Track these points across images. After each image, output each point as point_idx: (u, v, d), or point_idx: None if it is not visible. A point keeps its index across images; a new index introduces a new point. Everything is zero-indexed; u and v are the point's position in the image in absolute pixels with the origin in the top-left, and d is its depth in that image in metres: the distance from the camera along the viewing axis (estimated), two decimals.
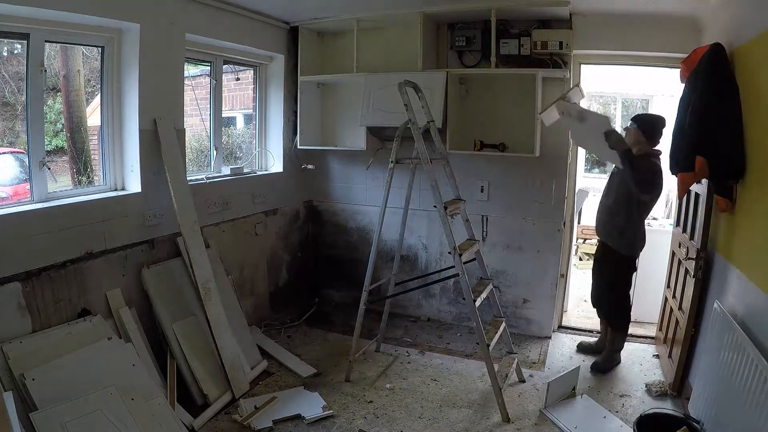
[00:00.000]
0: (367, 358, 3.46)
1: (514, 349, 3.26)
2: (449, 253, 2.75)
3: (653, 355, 3.49)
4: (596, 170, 7.63)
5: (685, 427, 2.28)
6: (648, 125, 3.01)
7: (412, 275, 3.99)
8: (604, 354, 3.36)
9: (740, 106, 2.30)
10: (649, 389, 3.01)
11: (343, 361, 3.32)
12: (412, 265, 4.16)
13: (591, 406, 2.86)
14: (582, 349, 3.60)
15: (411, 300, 4.21)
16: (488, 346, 2.71)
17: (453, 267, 2.77)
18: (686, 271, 2.92)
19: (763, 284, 1.99)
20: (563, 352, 3.58)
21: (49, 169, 2.52)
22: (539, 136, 3.43)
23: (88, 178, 2.89)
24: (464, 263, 2.74)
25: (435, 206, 2.75)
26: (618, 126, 7.24)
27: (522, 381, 3.19)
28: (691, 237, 2.90)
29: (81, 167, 2.88)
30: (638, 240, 3.12)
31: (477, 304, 2.75)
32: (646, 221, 3.17)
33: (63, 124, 2.89)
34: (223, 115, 3.72)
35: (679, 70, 2.84)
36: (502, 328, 3.01)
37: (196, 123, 3.55)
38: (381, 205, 3.02)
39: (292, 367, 3.28)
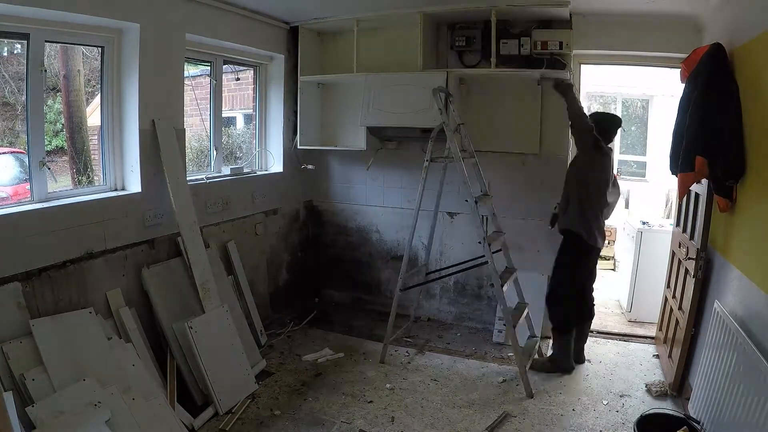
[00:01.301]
0: (367, 357, 3.47)
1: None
2: (479, 242, 3.04)
3: (653, 355, 3.49)
4: None
5: (685, 427, 2.28)
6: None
7: (415, 274, 3.98)
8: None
9: (740, 106, 2.29)
10: (649, 389, 3.01)
11: (343, 361, 3.35)
12: (412, 264, 4.14)
13: None
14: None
15: (411, 300, 4.21)
16: (514, 327, 2.98)
17: (480, 257, 3.12)
18: (686, 271, 2.92)
19: (763, 284, 1.99)
20: None
21: (49, 169, 2.52)
22: (540, 136, 3.43)
23: (88, 178, 2.90)
24: (492, 253, 3.03)
25: (466, 200, 3.04)
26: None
27: None
28: (691, 237, 2.91)
29: (81, 167, 2.89)
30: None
31: (504, 289, 3.02)
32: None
33: (63, 124, 2.89)
34: (223, 115, 3.72)
35: (679, 70, 2.83)
36: (526, 312, 3.30)
37: (196, 123, 3.55)
38: (415, 207, 3.30)
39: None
